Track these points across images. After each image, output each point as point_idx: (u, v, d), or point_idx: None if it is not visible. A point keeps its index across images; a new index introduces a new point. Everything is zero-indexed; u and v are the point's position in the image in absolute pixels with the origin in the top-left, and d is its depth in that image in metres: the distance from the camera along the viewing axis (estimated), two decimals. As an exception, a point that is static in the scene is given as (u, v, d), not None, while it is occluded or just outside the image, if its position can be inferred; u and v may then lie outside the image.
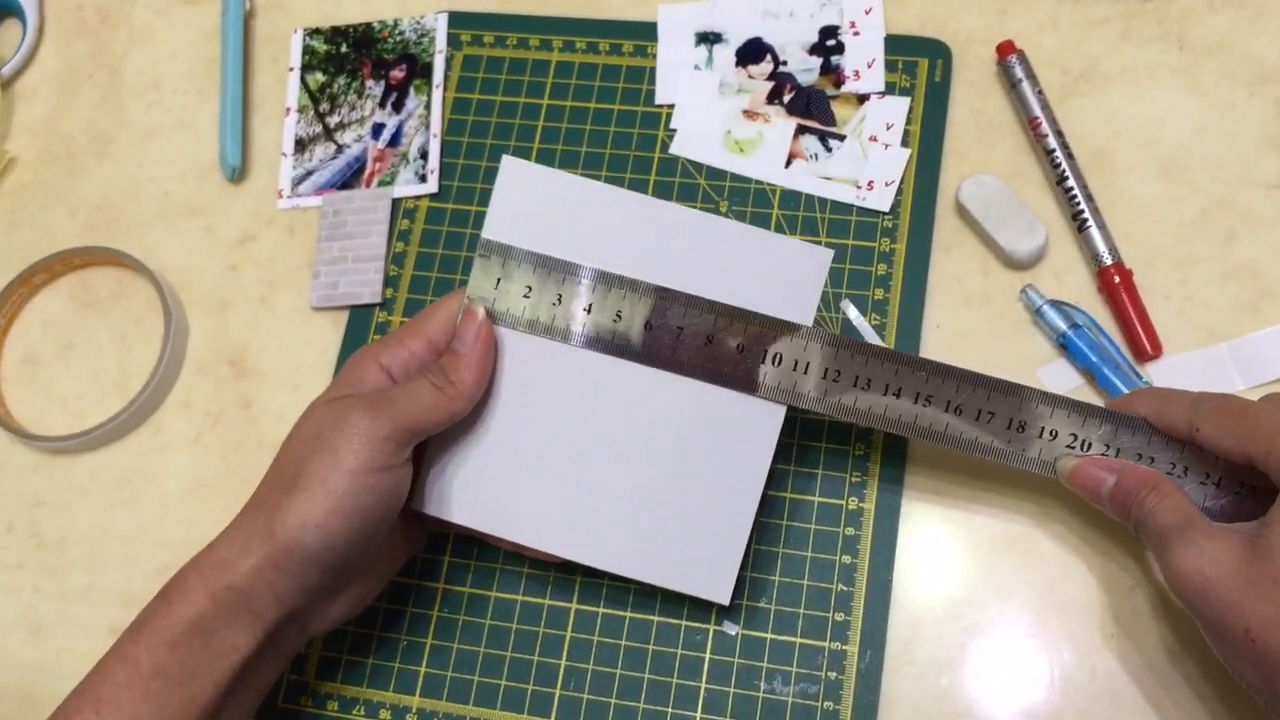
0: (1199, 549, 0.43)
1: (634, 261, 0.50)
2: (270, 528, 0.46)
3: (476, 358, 0.49)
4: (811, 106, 0.61)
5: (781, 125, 0.61)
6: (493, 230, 0.51)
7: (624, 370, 0.51)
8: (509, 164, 0.51)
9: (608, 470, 0.51)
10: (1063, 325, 0.55)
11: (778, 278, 0.50)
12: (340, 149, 0.65)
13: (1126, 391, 0.53)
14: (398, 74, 0.66)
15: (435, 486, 0.51)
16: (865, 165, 0.60)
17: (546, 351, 0.51)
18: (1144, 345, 0.54)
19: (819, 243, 0.58)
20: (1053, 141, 0.57)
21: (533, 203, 0.51)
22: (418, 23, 0.67)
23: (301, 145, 0.66)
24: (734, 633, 0.53)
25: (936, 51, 0.61)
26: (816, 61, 0.62)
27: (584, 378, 0.51)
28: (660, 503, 0.51)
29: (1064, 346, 0.55)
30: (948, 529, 0.54)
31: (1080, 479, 0.48)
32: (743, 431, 0.50)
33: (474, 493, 0.51)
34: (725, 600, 0.50)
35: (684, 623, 0.54)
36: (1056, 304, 0.55)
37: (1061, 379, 0.55)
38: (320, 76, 0.67)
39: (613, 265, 0.50)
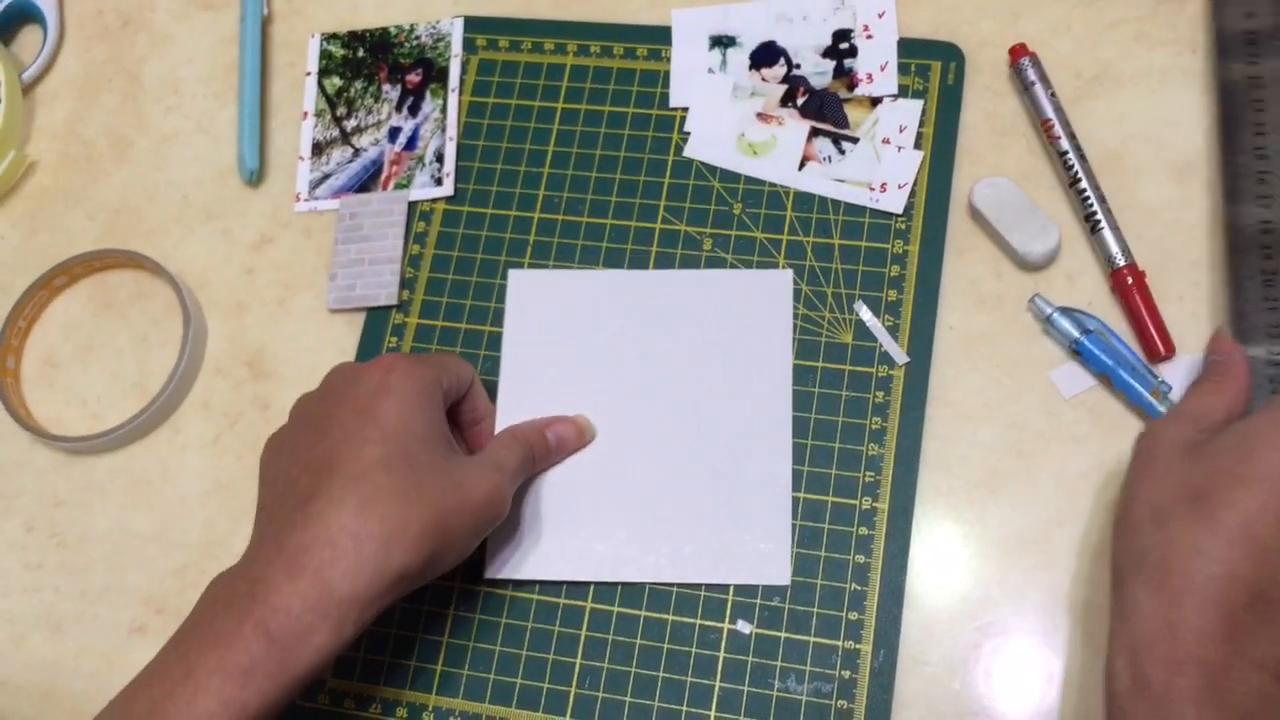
0: (1172, 426, 0.48)
1: (631, 327, 0.59)
2: (400, 567, 0.46)
3: (562, 456, 0.57)
4: (825, 109, 0.62)
5: (795, 128, 0.61)
6: (512, 334, 0.60)
7: (643, 397, 0.58)
8: (516, 276, 0.61)
9: (648, 493, 0.56)
10: (1075, 332, 0.55)
11: (752, 307, 0.58)
12: (357, 152, 0.66)
13: (1145, 393, 0.53)
14: (414, 78, 0.67)
15: (501, 552, 0.56)
16: (878, 167, 0.60)
17: (571, 399, 0.58)
18: (1157, 346, 0.54)
19: (832, 245, 0.59)
20: (1065, 144, 0.58)
21: (538, 304, 0.60)
22: (434, 27, 0.68)
23: (319, 149, 0.66)
24: (748, 631, 0.54)
25: (949, 54, 0.62)
26: (830, 65, 0.63)
27: (610, 414, 0.58)
28: (703, 509, 0.55)
29: (1077, 352, 0.55)
30: (961, 529, 0.54)
31: (1215, 342, 0.53)
32: (760, 418, 0.56)
33: (538, 548, 0.56)
34: (786, 580, 0.54)
35: (699, 621, 0.54)
36: (1066, 311, 0.55)
37: (1075, 381, 0.55)
38: (337, 81, 0.68)
39: (613, 334, 0.59)
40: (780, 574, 0.54)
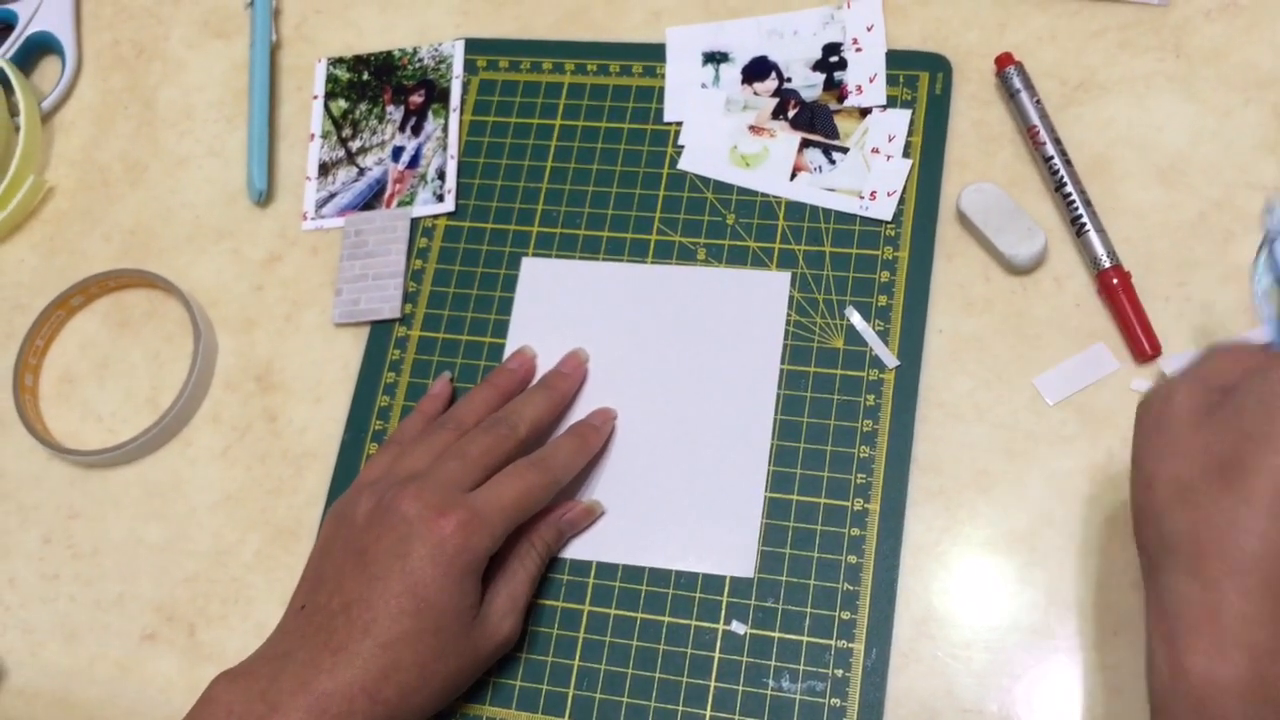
0: (1182, 390, 0.42)
1: (630, 317, 0.61)
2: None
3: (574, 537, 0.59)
4: (815, 121, 0.63)
5: (786, 139, 0.63)
6: (519, 317, 0.62)
7: (634, 384, 0.60)
8: (528, 263, 0.63)
9: (630, 478, 0.58)
10: None
11: (747, 307, 0.60)
12: (362, 172, 0.68)
13: None
14: (417, 99, 0.68)
15: None
16: (868, 176, 0.61)
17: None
18: (1143, 345, 0.55)
19: (823, 252, 0.60)
20: (1050, 149, 0.59)
21: (547, 290, 0.63)
22: (436, 50, 0.69)
23: (325, 169, 0.68)
24: (742, 632, 0.55)
25: (937, 65, 0.63)
26: (820, 77, 0.64)
27: (601, 399, 0.60)
28: (679, 497, 0.57)
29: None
30: (952, 529, 0.55)
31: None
32: (743, 412, 0.58)
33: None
34: (750, 572, 0.55)
35: (694, 623, 0.55)
36: None
37: (1060, 387, 0.56)
38: (343, 103, 0.70)
39: (612, 321, 0.61)
40: (745, 566, 0.56)
